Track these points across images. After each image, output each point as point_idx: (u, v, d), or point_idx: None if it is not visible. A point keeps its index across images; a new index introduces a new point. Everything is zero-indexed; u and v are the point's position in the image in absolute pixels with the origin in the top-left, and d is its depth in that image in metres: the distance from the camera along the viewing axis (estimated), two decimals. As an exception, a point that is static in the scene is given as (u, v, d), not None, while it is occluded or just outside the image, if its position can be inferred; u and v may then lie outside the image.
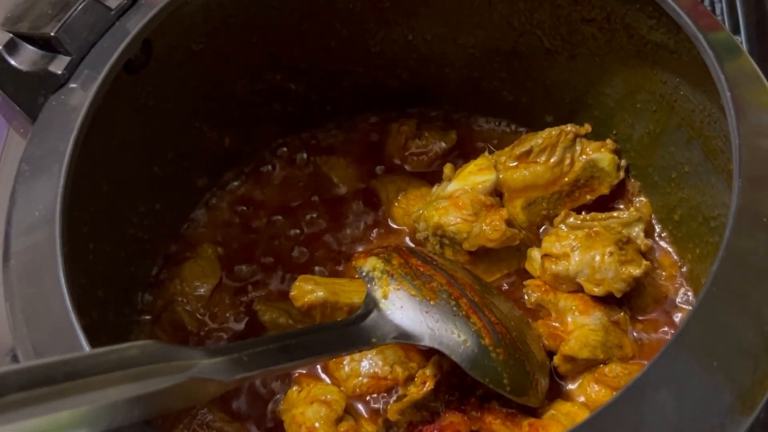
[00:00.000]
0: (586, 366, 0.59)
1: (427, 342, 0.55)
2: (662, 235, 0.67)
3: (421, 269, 0.59)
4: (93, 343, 0.44)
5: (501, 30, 0.67)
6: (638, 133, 0.66)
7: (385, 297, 0.57)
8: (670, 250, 0.66)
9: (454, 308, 0.56)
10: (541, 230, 0.68)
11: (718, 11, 0.79)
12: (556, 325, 0.60)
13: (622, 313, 0.61)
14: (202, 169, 0.72)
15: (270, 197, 0.73)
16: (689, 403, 0.38)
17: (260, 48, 0.67)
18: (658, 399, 0.38)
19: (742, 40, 0.78)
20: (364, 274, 0.59)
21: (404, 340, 0.55)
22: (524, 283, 0.64)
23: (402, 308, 0.56)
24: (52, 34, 0.53)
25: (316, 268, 0.68)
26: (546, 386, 0.57)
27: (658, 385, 0.38)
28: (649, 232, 0.65)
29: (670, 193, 0.65)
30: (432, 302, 0.56)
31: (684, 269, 0.65)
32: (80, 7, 0.55)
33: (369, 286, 0.58)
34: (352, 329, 0.55)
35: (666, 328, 0.62)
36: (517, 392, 0.55)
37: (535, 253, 0.64)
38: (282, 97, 0.73)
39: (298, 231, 0.71)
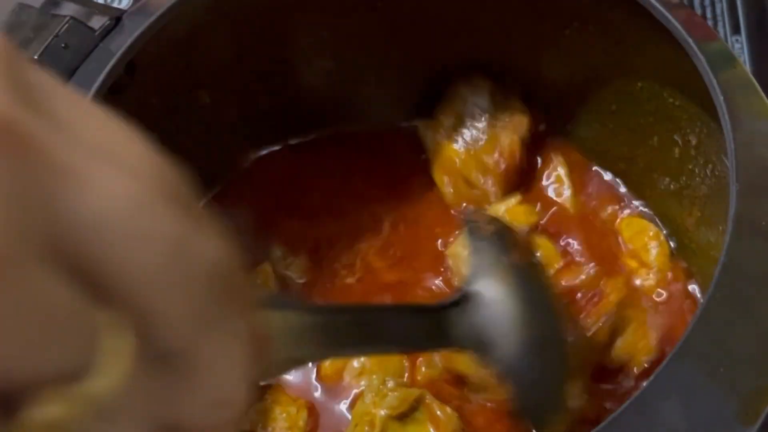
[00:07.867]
0: None
1: (499, 366, 0.42)
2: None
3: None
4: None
5: (491, 39, 0.67)
6: (634, 145, 0.65)
7: (484, 289, 0.42)
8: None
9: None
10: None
11: (718, 11, 0.78)
12: None
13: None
14: (191, 182, 0.70)
15: (269, 198, 0.71)
16: (697, 412, 0.37)
17: (248, 67, 0.67)
18: (665, 409, 0.37)
19: (742, 39, 0.77)
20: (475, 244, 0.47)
21: (477, 352, 0.42)
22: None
23: (497, 310, 0.41)
24: (35, 57, 0.52)
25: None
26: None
27: (665, 394, 0.38)
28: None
29: (668, 204, 0.64)
30: (532, 317, 0.43)
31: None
32: (63, 29, 0.54)
33: (470, 271, 0.44)
34: (433, 317, 0.42)
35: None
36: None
37: None
38: (277, 110, 0.71)
39: (296, 235, 0.69)
